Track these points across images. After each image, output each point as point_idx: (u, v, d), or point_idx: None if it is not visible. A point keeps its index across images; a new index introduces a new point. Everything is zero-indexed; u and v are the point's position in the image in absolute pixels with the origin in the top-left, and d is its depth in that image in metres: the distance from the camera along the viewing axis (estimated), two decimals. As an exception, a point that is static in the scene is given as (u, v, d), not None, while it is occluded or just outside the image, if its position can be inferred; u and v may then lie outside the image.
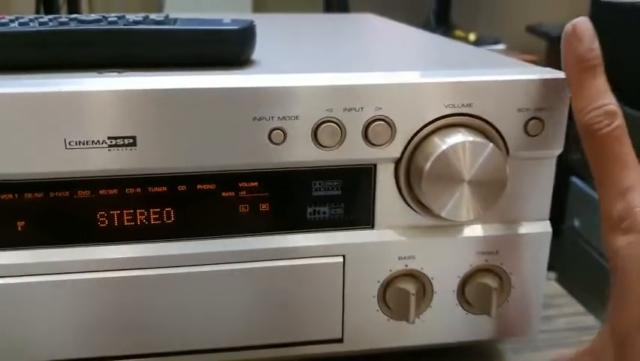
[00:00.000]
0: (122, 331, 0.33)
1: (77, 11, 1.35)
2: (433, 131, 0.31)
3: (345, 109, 0.31)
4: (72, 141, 0.29)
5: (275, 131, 0.30)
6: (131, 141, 0.30)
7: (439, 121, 0.31)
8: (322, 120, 0.31)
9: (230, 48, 0.34)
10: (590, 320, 0.45)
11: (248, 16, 0.68)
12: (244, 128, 0.30)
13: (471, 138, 0.31)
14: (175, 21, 0.35)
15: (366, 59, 0.42)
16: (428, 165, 0.30)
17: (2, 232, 0.31)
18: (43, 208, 0.31)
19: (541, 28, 1.58)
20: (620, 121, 0.28)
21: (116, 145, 0.30)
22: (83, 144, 0.29)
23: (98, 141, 0.29)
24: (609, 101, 0.29)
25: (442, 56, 0.43)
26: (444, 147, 0.30)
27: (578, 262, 1.25)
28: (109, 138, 0.30)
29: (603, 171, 0.29)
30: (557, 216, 1.39)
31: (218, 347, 0.34)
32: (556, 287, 0.49)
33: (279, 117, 0.30)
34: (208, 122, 0.30)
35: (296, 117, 0.30)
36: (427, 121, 0.31)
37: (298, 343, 0.35)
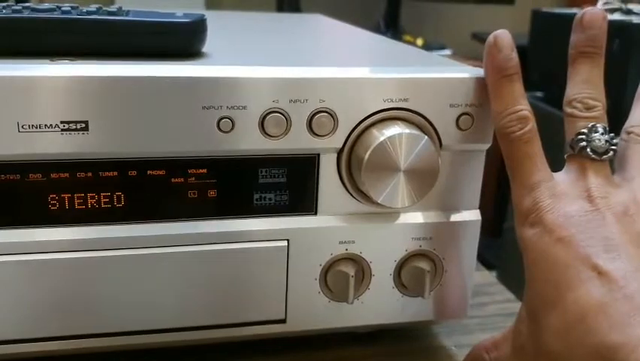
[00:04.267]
0: (69, 311, 0.34)
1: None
2: (373, 124, 0.34)
3: (290, 100, 0.32)
4: (25, 125, 0.30)
5: (223, 120, 0.32)
6: (84, 125, 0.31)
7: (378, 114, 0.34)
8: (269, 111, 0.32)
9: (181, 40, 0.36)
10: (518, 305, 0.48)
11: (201, 11, 0.69)
12: (194, 117, 0.32)
13: (407, 131, 0.33)
14: (128, 13, 0.36)
15: (312, 55, 0.44)
16: (367, 155, 0.33)
17: (-47, 213, 0.32)
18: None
19: (487, 35, 1.64)
20: (531, 125, 0.32)
21: (68, 129, 0.31)
22: (36, 128, 0.30)
23: (51, 125, 0.31)
24: (523, 107, 0.32)
25: (384, 55, 0.45)
26: (382, 138, 0.33)
27: (518, 261, 1.30)
28: (61, 122, 0.31)
29: (515, 169, 0.32)
30: (498, 216, 1.44)
31: (163, 328, 0.35)
32: (489, 276, 0.52)
33: (227, 107, 0.32)
34: (158, 109, 0.31)
35: (244, 107, 0.32)
36: (367, 114, 0.33)
37: (243, 323, 0.36)
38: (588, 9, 0.33)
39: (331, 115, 0.33)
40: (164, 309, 0.35)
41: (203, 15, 0.37)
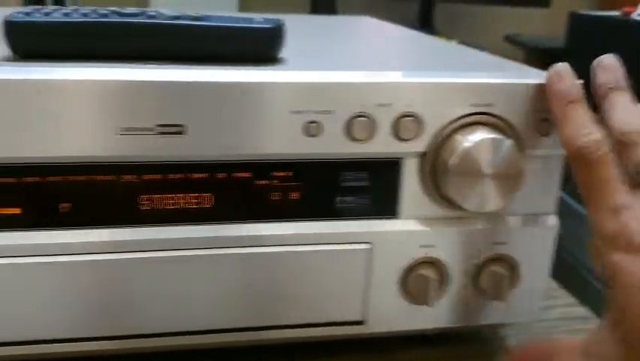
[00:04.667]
0: (159, 310, 0.34)
1: (63, 3, 1.34)
2: (457, 129, 0.34)
3: (377, 104, 0.33)
4: (123, 128, 0.31)
5: (311, 124, 0.33)
6: (179, 129, 0.32)
7: (463, 119, 0.34)
8: (356, 115, 0.33)
9: (262, 45, 0.36)
10: (581, 310, 0.48)
11: (234, 12, 0.70)
12: (282, 121, 0.32)
13: (492, 136, 0.33)
14: (209, 18, 0.37)
15: (385, 58, 0.44)
16: (453, 160, 0.33)
17: (48, 213, 0.32)
18: (90, 191, 0.32)
19: (519, 38, 1.63)
20: (607, 148, 0.31)
21: (164, 132, 0.31)
22: (134, 131, 0.31)
23: (149, 128, 0.31)
24: (596, 131, 0.31)
25: (460, 60, 0.45)
26: (468, 143, 0.33)
27: (561, 270, 1.29)
28: (158, 125, 0.31)
29: (594, 192, 0.31)
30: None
31: (250, 326, 0.36)
32: (550, 281, 0.52)
33: (315, 111, 0.32)
34: (249, 113, 0.32)
35: (331, 111, 0.33)
36: (453, 118, 0.34)
37: (321, 324, 0.37)
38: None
39: (416, 119, 0.33)
40: (248, 307, 0.35)
41: (281, 20, 0.37)
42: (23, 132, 0.30)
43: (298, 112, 0.32)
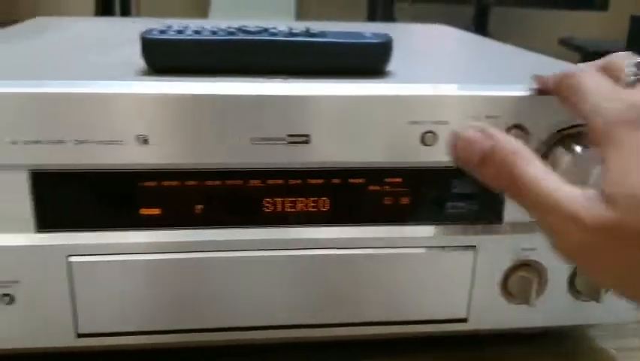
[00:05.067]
0: (300, 303, 0.37)
1: (128, 13, 1.40)
2: (561, 139, 0.36)
3: (487, 116, 0.35)
4: (256, 138, 0.34)
5: (428, 134, 0.35)
6: (306, 138, 0.34)
7: (567, 130, 0.36)
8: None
9: (375, 59, 0.39)
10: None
11: (291, 21, 0.72)
12: (399, 131, 0.35)
13: (595, 146, 0.35)
14: (324, 34, 0.39)
15: (483, 70, 0.46)
16: (558, 170, 0.35)
17: (184, 213, 0.36)
18: (221, 194, 0.36)
19: (574, 41, 1.63)
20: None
21: (293, 142, 0.34)
22: (266, 140, 0.34)
23: (279, 138, 0.34)
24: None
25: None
26: (573, 154, 0.35)
27: None
28: (288, 135, 0.34)
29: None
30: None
31: (365, 321, 0.39)
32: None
33: (432, 122, 0.35)
34: (368, 124, 0.35)
35: (446, 122, 0.35)
36: (557, 129, 0.36)
37: (427, 321, 0.39)
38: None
39: (523, 130, 0.36)
40: (360, 304, 0.38)
41: (389, 35, 0.40)
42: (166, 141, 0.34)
43: (415, 122, 0.35)
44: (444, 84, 0.36)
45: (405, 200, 0.37)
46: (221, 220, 0.36)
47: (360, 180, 0.37)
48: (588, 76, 0.32)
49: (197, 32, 0.38)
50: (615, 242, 0.26)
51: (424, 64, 0.46)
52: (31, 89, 0.32)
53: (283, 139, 0.34)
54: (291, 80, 0.36)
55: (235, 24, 0.40)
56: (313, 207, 0.37)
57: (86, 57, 0.43)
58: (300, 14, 1.59)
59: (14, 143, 0.32)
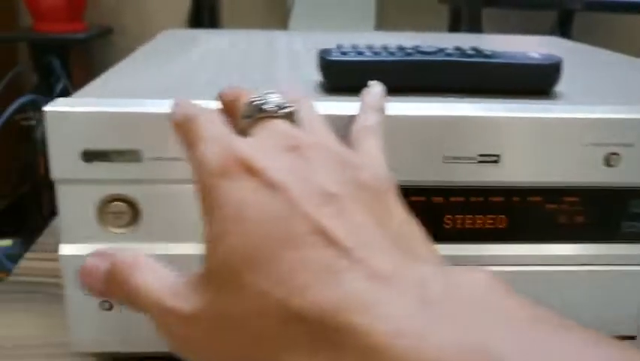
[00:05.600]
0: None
1: (217, 24, 1.43)
2: None
3: (674, 138, 0.36)
4: (448, 156, 0.35)
5: (612, 156, 0.36)
6: (496, 158, 0.36)
7: None
8: (655, 148, 0.36)
9: (547, 80, 0.40)
10: None
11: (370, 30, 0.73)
12: (581, 152, 0.36)
13: None
14: (496, 54, 0.41)
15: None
16: None
17: (369, 228, 0.37)
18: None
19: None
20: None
21: (483, 161, 0.36)
22: (457, 159, 0.35)
23: (470, 157, 0.35)
24: None
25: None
26: None
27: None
28: (479, 155, 0.36)
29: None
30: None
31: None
32: None
33: (615, 144, 0.36)
34: (556, 145, 0.36)
35: (631, 145, 0.36)
36: None
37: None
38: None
39: None
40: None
41: (559, 56, 0.41)
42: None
43: (601, 145, 0.36)
44: (625, 106, 0.36)
45: (580, 218, 0.38)
46: (403, 235, 0.38)
47: (538, 199, 0.38)
48: (207, 119, 0.28)
49: (376, 53, 0.40)
50: (214, 328, 0.24)
51: (580, 83, 0.47)
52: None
53: (474, 158, 0.36)
54: (465, 99, 0.38)
55: (408, 44, 0.41)
56: (491, 224, 0.38)
57: (257, 75, 0.45)
58: (380, 22, 1.60)
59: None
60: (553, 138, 0.36)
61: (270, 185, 0.24)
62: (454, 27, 1.42)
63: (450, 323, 0.20)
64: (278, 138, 0.27)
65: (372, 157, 0.29)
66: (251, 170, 0.25)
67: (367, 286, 0.22)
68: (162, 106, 0.34)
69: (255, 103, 0.29)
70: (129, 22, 1.80)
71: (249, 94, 0.30)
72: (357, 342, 0.20)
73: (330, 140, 0.29)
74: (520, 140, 0.35)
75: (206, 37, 0.65)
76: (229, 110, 0.31)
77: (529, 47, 0.69)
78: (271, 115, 0.29)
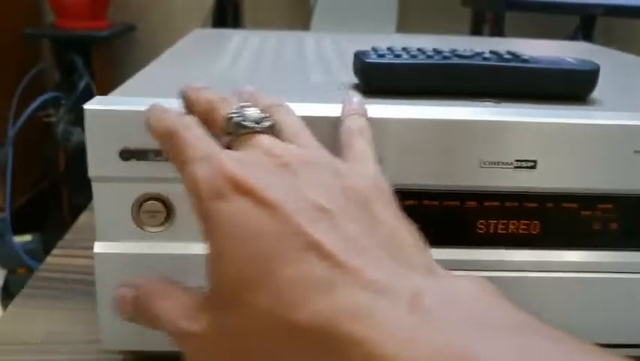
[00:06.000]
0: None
1: (240, 24, 1.44)
2: None
3: None
4: (486, 161, 0.35)
5: (649, 163, 0.36)
6: (532, 164, 0.35)
7: None
8: (693, 156, 0.35)
9: (584, 86, 0.40)
10: None
11: (392, 32, 0.73)
12: (624, 159, 0.35)
13: None
14: (534, 60, 0.40)
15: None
16: None
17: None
18: (439, 214, 0.37)
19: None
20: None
21: (520, 167, 0.35)
22: (494, 164, 0.35)
23: (507, 162, 0.35)
24: None
25: None
26: None
27: None
28: (516, 160, 0.35)
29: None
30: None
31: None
32: None
33: (653, 151, 0.35)
34: (593, 152, 0.35)
35: (668, 152, 0.35)
36: None
37: (625, 345, 0.39)
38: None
39: None
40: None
41: (596, 62, 0.40)
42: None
43: (636, 152, 0.35)
44: (666, 113, 0.36)
45: (614, 226, 0.38)
46: (435, 240, 0.37)
47: (573, 205, 0.37)
48: (192, 135, 0.28)
49: (413, 56, 0.39)
50: (221, 347, 0.25)
51: (617, 89, 0.46)
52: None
53: (511, 164, 0.35)
54: (502, 104, 0.37)
55: (446, 48, 0.41)
56: (524, 230, 0.38)
57: (293, 77, 0.45)
58: (401, 24, 1.60)
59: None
60: (589, 145, 0.35)
61: (264, 204, 0.25)
62: (476, 30, 1.41)
63: (440, 331, 0.21)
64: (265, 156, 0.27)
65: (362, 162, 0.30)
66: (243, 189, 0.25)
67: (363, 297, 0.23)
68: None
69: (233, 120, 0.29)
70: (153, 20, 1.81)
71: (222, 104, 0.31)
72: (357, 351, 0.21)
73: (317, 150, 0.29)
74: (557, 146, 0.35)
75: (236, 37, 0.66)
76: (205, 121, 0.30)
77: (560, 51, 0.69)
78: (253, 131, 0.29)
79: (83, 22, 1.69)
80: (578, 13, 1.40)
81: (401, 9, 1.57)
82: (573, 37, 1.45)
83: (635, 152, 0.35)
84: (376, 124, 0.34)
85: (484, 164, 0.35)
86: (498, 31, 1.24)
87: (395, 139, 0.35)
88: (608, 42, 1.69)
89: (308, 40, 0.66)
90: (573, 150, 0.35)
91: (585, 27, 1.44)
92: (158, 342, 0.38)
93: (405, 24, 1.59)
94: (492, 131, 0.35)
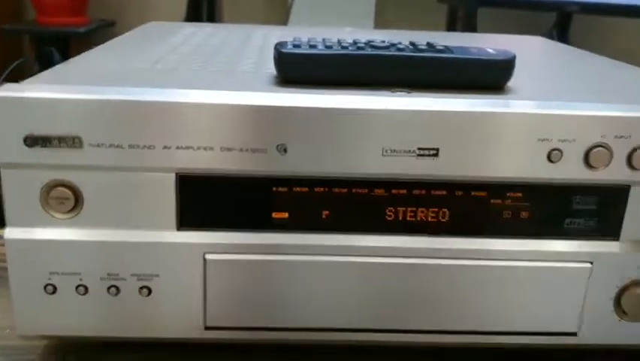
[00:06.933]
0: (395, 307, 0.39)
1: (215, 19, 1.44)
2: (688, 161, 0.36)
3: (616, 136, 0.36)
4: (388, 150, 0.36)
5: (554, 152, 0.36)
6: (435, 152, 0.36)
7: (694, 152, 0.36)
8: (595, 145, 0.36)
9: (498, 75, 0.40)
10: None
11: (370, 28, 0.73)
12: (527, 147, 0.36)
13: None
14: (448, 49, 0.41)
15: (608, 88, 0.46)
16: (685, 189, 0.35)
17: (312, 218, 0.38)
18: (346, 201, 0.37)
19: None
20: None
21: (423, 155, 0.36)
22: (397, 152, 0.36)
23: (410, 150, 0.36)
24: None
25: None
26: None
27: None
28: (418, 148, 0.36)
29: None
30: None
31: (469, 330, 0.40)
32: None
33: (559, 140, 0.36)
34: (495, 140, 0.36)
35: (574, 140, 0.36)
36: (685, 151, 0.36)
37: (537, 333, 0.40)
38: None
39: (650, 151, 0.36)
40: (467, 312, 0.39)
41: (512, 52, 0.41)
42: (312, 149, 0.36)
43: (544, 140, 0.36)
44: (572, 102, 0.36)
45: (524, 214, 0.38)
46: (345, 226, 0.38)
47: (482, 194, 0.38)
48: None
49: (328, 47, 0.40)
50: None
51: (539, 80, 0.47)
52: (183, 99, 0.35)
53: (413, 152, 0.36)
54: (415, 93, 0.38)
55: (362, 39, 0.41)
56: (433, 217, 0.38)
57: (219, 66, 0.46)
58: (379, 20, 1.60)
59: (167, 148, 0.35)
60: (493, 133, 0.36)
61: None
62: (451, 26, 1.41)
63: None
64: None
65: None
66: None
67: None
68: (103, 93, 0.35)
69: None
70: (132, 16, 1.82)
71: None
72: None
73: None
74: (460, 134, 0.36)
75: (189, 29, 0.66)
76: None
77: (512, 45, 0.69)
78: None
79: (63, 19, 1.70)
80: (552, 9, 1.40)
81: (379, 5, 1.57)
82: (549, 35, 1.45)
83: (539, 140, 0.36)
84: (284, 112, 0.35)
85: (387, 152, 0.36)
86: (470, 27, 1.25)
87: (302, 128, 0.35)
88: (585, 41, 1.70)
89: (261, 33, 0.66)
90: (477, 138, 0.36)
91: (561, 24, 1.45)
92: (74, 327, 0.39)
93: (383, 20, 1.60)
94: (395, 120, 0.35)
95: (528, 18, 1.62)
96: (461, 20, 1.29)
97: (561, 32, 1.42)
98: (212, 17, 1.40)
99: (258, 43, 0.58)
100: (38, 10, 1.75)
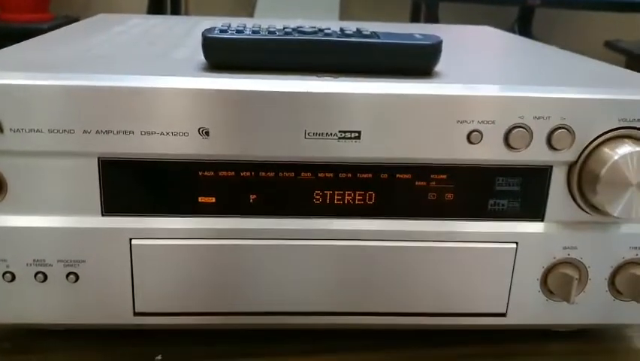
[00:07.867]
0: (338, 291, 0.39)
1: (178, 11, 1.44)
2: (605, 141, 0.37)
3: (535, 117, 0.36)
4: (310, 132, 0.36)
5: (474, 133, 0.36)
6: (357, 135, 0.36)
7: (611, 132, 0.37)
8: (514, 126, 0.36)
9: (426, 59, 0.40)
10: None
11: (335, 20, 0.74)
12: (447, 129, 0.36)
13: (638, 148, 0.36)
14: (375, 35, 0.41)
15: (532, 72, 0.47)
16: (603, 171, 0.36)
17: (239, 202, 0.38)
18: (273, 185, 0.38)
19: (620, 44, 1.61)
20: None
21: (344, 138, 0.36)
22: (319, 135, 0.36)
23: (331, 133, 0.36)
24: None
25: (603, 74, 0.47)
26: (617, 156, 0.36)
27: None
28: (339, 131, 0.36)
29: None
30: None
31: (404, 312, 0.40)
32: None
33: (479, 121, 0.36)
34: (417, 122, 0.36)
35: (493, 122, 0.36)
36: (602, 131, 0.37)
37: (466, 314, 0.40)
38: None
39: (570, 131, 0.37)
40: (399, 293, 0.40)
41: (439, 37, 0.41)
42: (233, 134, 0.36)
43: (463, 122, 0.36)
44: (491, 85, 0.37)
45: (449, 196, 0.39)
46: (272, 210, 0.38)
47: (407, 176, 0.38)
48: None
49: (255, 32, 0.40)
50: None
51: (470, 65, 0.47)
52: (102, 83, 0.34)
53: (335, 135, 0.36)
54: (341, 78, 0.38)
55: (291, 24, 0.42)
56: (360, 200, 0.38)
57: (152, 53, 0.45)
58: (344, 14, 1.60)
59: (87, 132, 0.35)
60: (414, 116, 0.36)
61: None
62: (415, 20, 1.42)
63: None
64: None
65: None
66: None
67: None
68: (21, 78, 0.34)
69: None
70: (96, 11, 1.80)
71: None
72: None
73: None
74: (381, 117, 0.36)
75: (135, 21, 0.66)
76: None
77: (458, 35, 0.70)
78: None
79: (26, 15, 1.69)
80: (514, 3, 1.41)
81: None
82: (511, 29, 1.47)
83: (458, 122, 0.36)
84: (206, 96, 0.35)
85: (309, 135, 0.36)
86: (432, 20, 1.26)
87: (223, 111, 0.35)
88: (549, 35, 1.72)
89: (206, 24, 0.66)
90: (398, 121, 0.36)
91: (523, 18, 1.46)
92: (3, 315, 0.39)
93: (348, 13, 1.60)
94: (316, 103, 0.36)
95: (495, 13, 1.63)
96: (424, 14, 1.30)
97: (523, 26, 1.44)
98: (177, 11, 1.39)
99: (198, 32, 0.58)
100: (1, 7, 1.73)
